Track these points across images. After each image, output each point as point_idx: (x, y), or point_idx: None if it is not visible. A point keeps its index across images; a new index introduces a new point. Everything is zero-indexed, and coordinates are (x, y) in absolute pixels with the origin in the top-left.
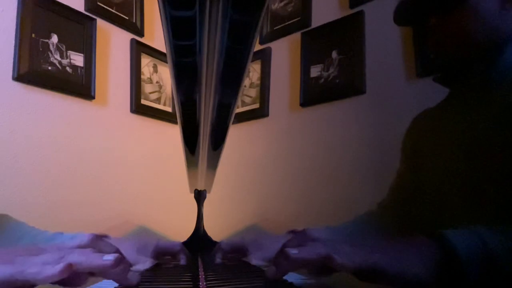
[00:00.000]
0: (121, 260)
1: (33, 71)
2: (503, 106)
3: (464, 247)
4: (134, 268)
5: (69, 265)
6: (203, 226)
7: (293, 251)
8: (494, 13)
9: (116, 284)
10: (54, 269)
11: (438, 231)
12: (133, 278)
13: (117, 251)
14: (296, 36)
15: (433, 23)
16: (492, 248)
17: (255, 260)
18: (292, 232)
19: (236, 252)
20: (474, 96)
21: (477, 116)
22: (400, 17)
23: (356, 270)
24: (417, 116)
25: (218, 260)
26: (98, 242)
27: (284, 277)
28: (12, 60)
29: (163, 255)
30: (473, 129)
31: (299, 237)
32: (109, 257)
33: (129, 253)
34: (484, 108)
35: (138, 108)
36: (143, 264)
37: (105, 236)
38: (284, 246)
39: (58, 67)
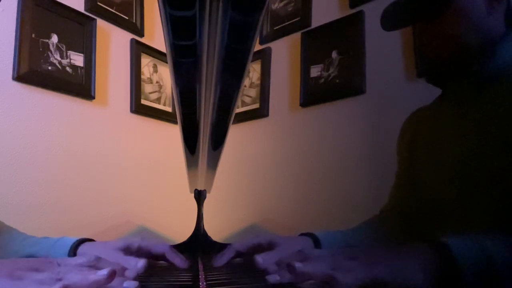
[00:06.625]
0: (115, 272)
1: (33, 71)
2: (496, 105)
3: (465, 256)
4: (128, 271)
5: (65, 287)
6: (203, 226)
7: (298, 264)
8: (482, 14)
9: None
10: None
11: (440, 239)
12: (139, 263)
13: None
14: (296, 36)
15: (421, 27)
16: (493, 259)
17: (262, 260)
18: (304, 235)
19: (253, 252)
20: (467, 96)
21: (471, 115)
22: (387, 23)
23: (359, 286)
24: (409, 116)
25: (225, 260)
26: (97, 262)
27: None
28: (12, 60)
29: (148, 257)
30: (467, 128)
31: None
32: (103, 272)
33: (116, 257)
34: (477, 108)
35: (138, 108)
36: (137, 266)
37: (91, 240)
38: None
39: (58, 67)
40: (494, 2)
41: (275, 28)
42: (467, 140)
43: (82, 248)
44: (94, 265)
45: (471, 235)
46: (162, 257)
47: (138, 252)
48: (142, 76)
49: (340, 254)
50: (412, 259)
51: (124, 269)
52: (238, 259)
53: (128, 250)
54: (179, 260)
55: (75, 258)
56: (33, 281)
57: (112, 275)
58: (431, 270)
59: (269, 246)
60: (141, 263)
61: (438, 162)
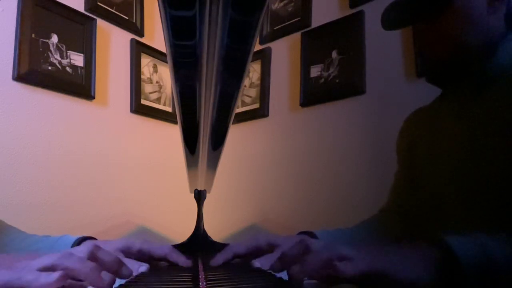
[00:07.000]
0: (114, 279)
1: (33, 71)
2: (496, 105)
3: (465, 253)
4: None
5: (66, 274)
6: (203, 226)
7: (296, 268)
8: (482, 13)
9: (120, 282)
10: (50, 277)
11: (440, 237)
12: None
13: (116, 259)
14: (296, 36)
15: (421, 27)
16: (493, 256)
17: (260, 265)
18: (303, 233)
19: (252, 254)
20: (467, 96)
21: (470, 115)
22: (388, 22)
23: (360, 277)
24: (409, 116)
25: (221, 261)
26: (97, 251)
27: (280, 275)
28: (12, 60)
29: (148, 258)
30: (467, 128)
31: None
32: (106, 277)
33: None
34: (477, 108)
35: (138, 108)
36: (139, 271)
37: (92, 238)
38: (284, 254)
39: (58, 67)
40: (494, 2)
41: (275, 28)
42: (467, 140)
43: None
44: (93, 255)
45: (471, 233)
46: (164, 259)
47: (139, 254)
48: (142, 76)
49: (342, 246)
50: (413, 256)
51: (120, 268)
52: (237, 259)
53: (128, 251)
54: (182, 260)
55: (75, 248)
56: (32, 270)
57: (112, 282)
58: (432, 267)
59: (268, 248)
60: (143, 268)
61: (437, 162)
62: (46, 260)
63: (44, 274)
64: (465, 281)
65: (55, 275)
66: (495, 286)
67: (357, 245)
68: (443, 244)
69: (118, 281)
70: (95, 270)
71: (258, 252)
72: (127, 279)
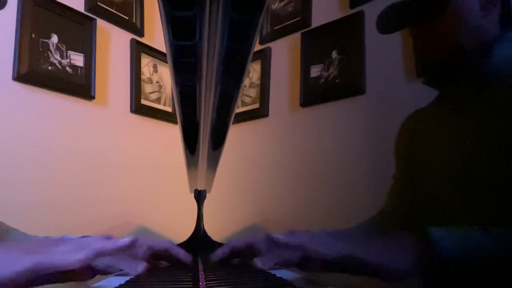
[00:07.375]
0: (136, 241)
1: (33, 71)
2: (493, 106)
3: (446, 244)
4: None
5: (96, 250)
6: (203, 226)
7: (276, 236)
8: (476, 16)
9: (120, 282)
10: (81, 254)
11: (421, 227)
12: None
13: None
14: (296, 36)
15: (418, 29)
16: (480, 249)
17: (261, 263)
18: None
19: (249, 251)
20: (464, 97)
21: (468, 116)
22: (383, 25)
23: (332, 259)
24: (407, 117)
25: (220, 256)
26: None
27: (280, 275)
28: (12, 60)
29: (151, 254)
30: (464, 129)
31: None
32: (125, 240)
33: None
34: (474, 109)
35: (138, 108)
36: (137, 270)
37: None
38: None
39: (58, 67)
40: (488, 4)
41: (275, 28)
42: (465, 140)
43: None
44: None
45: (458, 226)
46: (165, 252)
47: (145, 253)
48: (142, 76)
49: (324, 232)
50: (393, 244)
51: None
52: (236, 259)
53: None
54: (183, 254)
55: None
56: (60, 252)
57: (134, 242)
58: (414, 257)
59: (265, 245)
60: (140, 267)
61: (436, 163)
62: (71, 246)
63: (73, 253)
64: (446, 270)
65: (85, 252)
66: (485, 278)
67: (341, 232)
68: (425, 234)
69: (118, 281)
70: (115, 241)
71: (255, 248)
72: (127, 279)
